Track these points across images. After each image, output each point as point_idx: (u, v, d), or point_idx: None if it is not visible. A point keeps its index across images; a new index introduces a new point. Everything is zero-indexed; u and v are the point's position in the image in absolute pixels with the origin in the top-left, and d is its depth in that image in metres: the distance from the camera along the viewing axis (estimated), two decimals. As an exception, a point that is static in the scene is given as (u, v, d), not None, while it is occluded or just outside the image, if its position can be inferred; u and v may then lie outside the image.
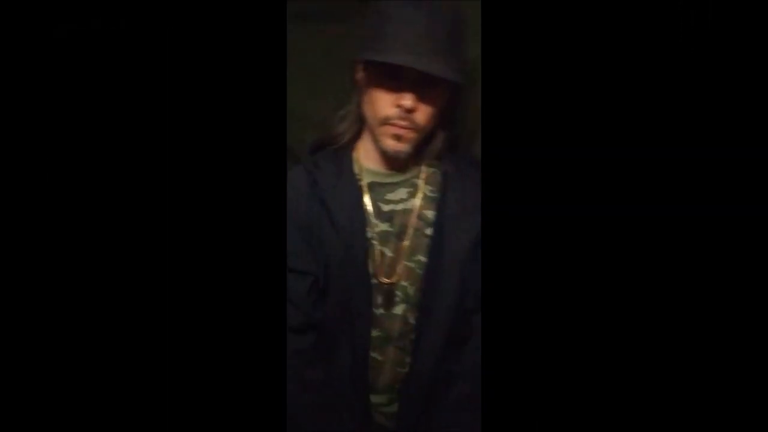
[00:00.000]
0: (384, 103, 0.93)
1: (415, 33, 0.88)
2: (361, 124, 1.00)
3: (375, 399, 1.00)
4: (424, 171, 1.02)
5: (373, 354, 0.99)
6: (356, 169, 1.01)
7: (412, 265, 0.99)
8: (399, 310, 0.99)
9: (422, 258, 0.99)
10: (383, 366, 1.00)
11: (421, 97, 0.91)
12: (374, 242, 0.99)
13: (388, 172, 1.01)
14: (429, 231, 0.99)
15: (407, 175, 1.02)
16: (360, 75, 0.96)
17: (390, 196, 1.00)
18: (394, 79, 0.91)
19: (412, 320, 0.99)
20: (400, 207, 1.00)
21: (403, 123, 0.92)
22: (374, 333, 0.99)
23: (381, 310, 0.99)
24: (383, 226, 0.99)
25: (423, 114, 0.93)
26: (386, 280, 0.98)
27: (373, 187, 1.00)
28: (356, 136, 1.02)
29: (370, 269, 0.98)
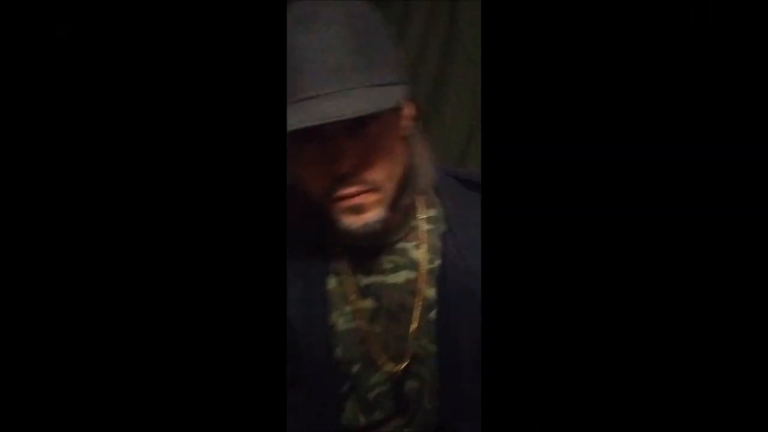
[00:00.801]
0: (315, 177, 0.71)
1: (316, 68, 0.66)
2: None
3: None
4: (417, 230, 0.80)
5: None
6: (329, 242, 0.79)
7: (421, 351, 0.79)
8: (407, 388, 0.80)
9: (429, 344, 0.79)
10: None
11: (361, 148, 0.69)
12: (348, 324, 0.78)
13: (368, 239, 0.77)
14: (432, 314, 0.78)
15: (390, 238, 0.79)
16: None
17: (369, 265, 0.79)
18: (319, 140, 0.69)
19: (426, 400, 0.80)
20: (382, 280, 0.79)
21: (353, 190, 0.70)
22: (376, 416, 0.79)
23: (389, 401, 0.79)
24: (365, 303, 0.79)
25: (376, 168, 0.70)
26: (396, 368, 0.78)
27: (348, 254, 0.79)
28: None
29: (339, 354, 0.78)
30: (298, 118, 0.65)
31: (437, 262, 0.79)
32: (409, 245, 0.80)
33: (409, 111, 0.76)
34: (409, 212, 0.79)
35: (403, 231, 0.80)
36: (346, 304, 0.78)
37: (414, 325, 0.78)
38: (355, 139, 0.68)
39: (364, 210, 0.71)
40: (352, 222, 0.72)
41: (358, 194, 0.70)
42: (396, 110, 0.72)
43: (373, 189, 0.71)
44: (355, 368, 0.78)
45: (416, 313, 0.78)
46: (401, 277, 0.79)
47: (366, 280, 0.79)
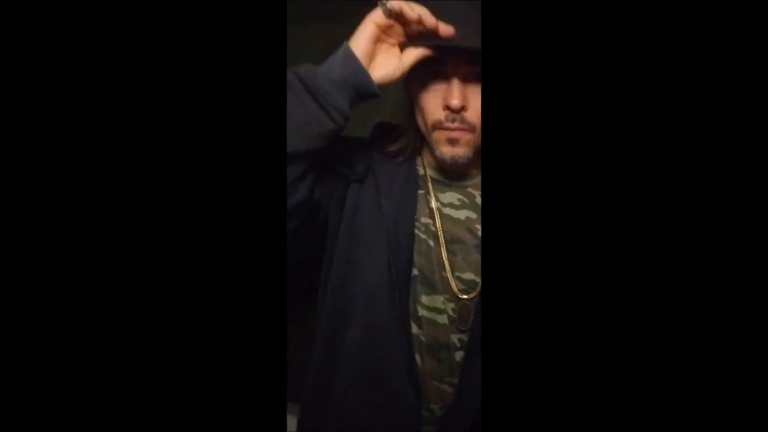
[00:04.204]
0: (432, 107, 0.89)
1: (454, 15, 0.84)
2: (419, 139, 0.97)
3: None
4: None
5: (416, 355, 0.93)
6: (419, 164, 0.98)
7: (461, 285, 0.94)
8: (445, 319, 0.93)
9: (474, 277, 0.93)
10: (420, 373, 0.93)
11: (471, 94, 0.88)
12: (422, 235, 0.95)
13: (446, 175, 0.97)
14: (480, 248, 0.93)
15: (465, 181, 0.98)
16: (408, 84, 0.93)
17: (440, 197, 0.97)
18: (440, 78, 0.88)
19: (455, 340, 0.93)
20: (447, 212, 0.96)
21: (455, 125, 0.88)
22: (414, 331, 0.94)
23: (432, 315, 0.94)
24: (425, 220, 0.96)
25: (475, 112, 0.88)
26: (464, 296, 0.92)
27: (429, 180, 0.97)
28: (416, 150, 0.99)
29: (415, 260, 0.93)
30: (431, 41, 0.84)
31: None
32: (476, 192, 0.97)
33: None
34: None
35: (475, 180, 0.97)
36: (420, 215, 0.95)
37: (452, 255, 0.93)
38: (467, 84, 0.87)
39: (458, 144, 0.90)
40: (447, 152, 0.90)
41: (457, 129, 0.88)
42: None
43: (469, 129, 0.89)
44: (414, 271, 0.94)
45: (457, 243, 0.94)
46: (462, 214, 0.96)
47: (435, 204, 0.96)
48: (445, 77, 0.88)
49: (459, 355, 0.94)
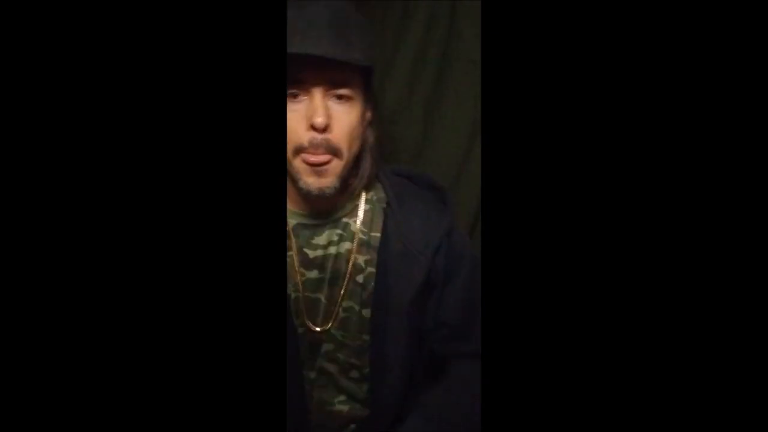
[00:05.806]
0: (293, 127, 0.83)
1: (312, 23, 0.80)
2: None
3: None
4: (357, 208, 0.94)
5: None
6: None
7: (344, 314, 0.95)
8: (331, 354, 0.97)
9: (354, 305, 0.94)
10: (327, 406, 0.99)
11: (335, 113, 0.82)
12: (303, 292, 0.93)
13: (314, 212, 0.93)
14: (360, 278, 0.94)
15: (337, 214, 0.94)
16: None
17: (317, 240, 0.93)
18: (300, 98, 0.83)
19: (356, 367, 0.97)
20: (330, 251, 0.93)
21: (319, 150, 0.82)
22: (311, 375, 0.98)
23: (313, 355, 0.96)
24: (311, 274, 0.93)
25: (339, 133, 0.83)
26: (315, 328, 0.94)
27: (297, 231, 0.92)
28: None
29: (303, 320, 0.94)
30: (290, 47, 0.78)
31: (374, 234, 0.93)
32: (350, 221, 0.94)
33: (370, 112, 0.90)
34: (354, 193, 0.93)
35: (348, 209, 0.94)
36: (294, 276, 0.92)
37: (342, 291, 0.93)
38: (329, 101, 0.82)
39: (324, 174, 0.84)
40: (313, 182, 0.84)
41: (322, 154, 0.83)
42: (364, 92, 0.87)
43: (336, 156, 0.84)
44: (300, 330, 0.94)
45: (344, 277, 0.93)
46: (343, 247, 0.93)
47: (313, 254, 0.92)
48: (306, 95, 0.83)
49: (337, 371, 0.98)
